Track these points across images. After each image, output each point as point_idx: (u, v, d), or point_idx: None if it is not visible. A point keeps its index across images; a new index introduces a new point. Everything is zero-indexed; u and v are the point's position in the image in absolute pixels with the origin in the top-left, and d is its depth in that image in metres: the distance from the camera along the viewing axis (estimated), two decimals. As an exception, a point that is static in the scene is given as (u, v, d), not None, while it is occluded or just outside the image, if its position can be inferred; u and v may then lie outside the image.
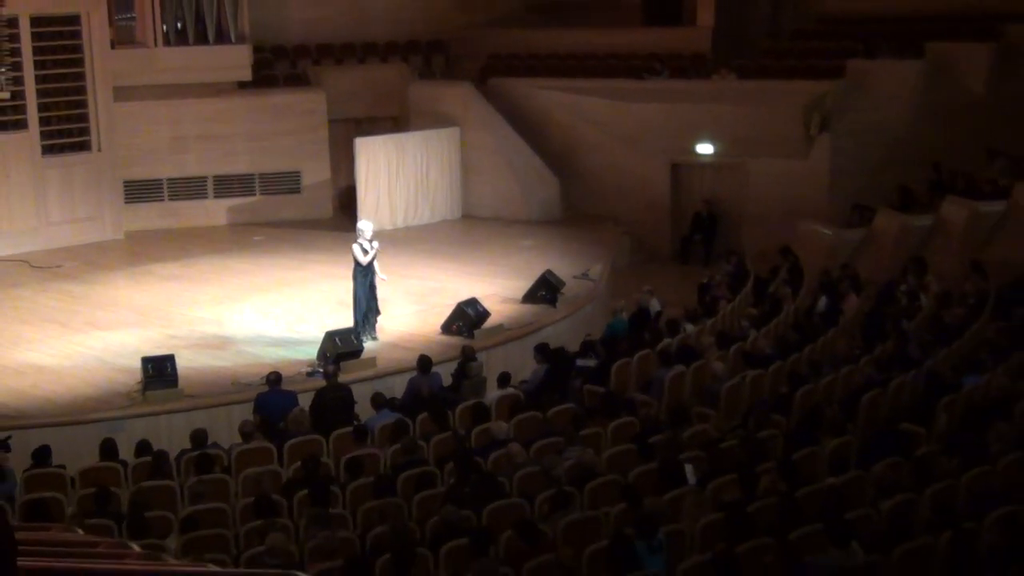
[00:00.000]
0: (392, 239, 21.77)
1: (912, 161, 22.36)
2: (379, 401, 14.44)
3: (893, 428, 12.55)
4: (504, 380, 15.13)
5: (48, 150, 23.81)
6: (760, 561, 9.34)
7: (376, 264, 17.39)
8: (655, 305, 18.34)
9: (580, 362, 15.90)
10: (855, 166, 22.69)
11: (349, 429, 13.50)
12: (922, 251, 19.27)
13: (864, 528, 9.88)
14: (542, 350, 15.91)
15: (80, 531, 9.04)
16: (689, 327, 17.12)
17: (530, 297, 19.32)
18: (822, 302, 17.90)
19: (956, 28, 23.56)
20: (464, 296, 18.34)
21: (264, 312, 19.25)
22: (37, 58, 23.40)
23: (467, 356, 15.84)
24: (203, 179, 25.47)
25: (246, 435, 13.50)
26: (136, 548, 6.63)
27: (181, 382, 15.60)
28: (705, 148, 23.73)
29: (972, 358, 14.56)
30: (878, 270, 19.11)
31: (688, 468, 11.61)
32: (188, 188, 25.42)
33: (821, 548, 9.38)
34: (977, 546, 9.28)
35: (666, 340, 16.31)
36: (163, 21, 24.74)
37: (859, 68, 23.25)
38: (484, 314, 17.89)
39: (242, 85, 25.77)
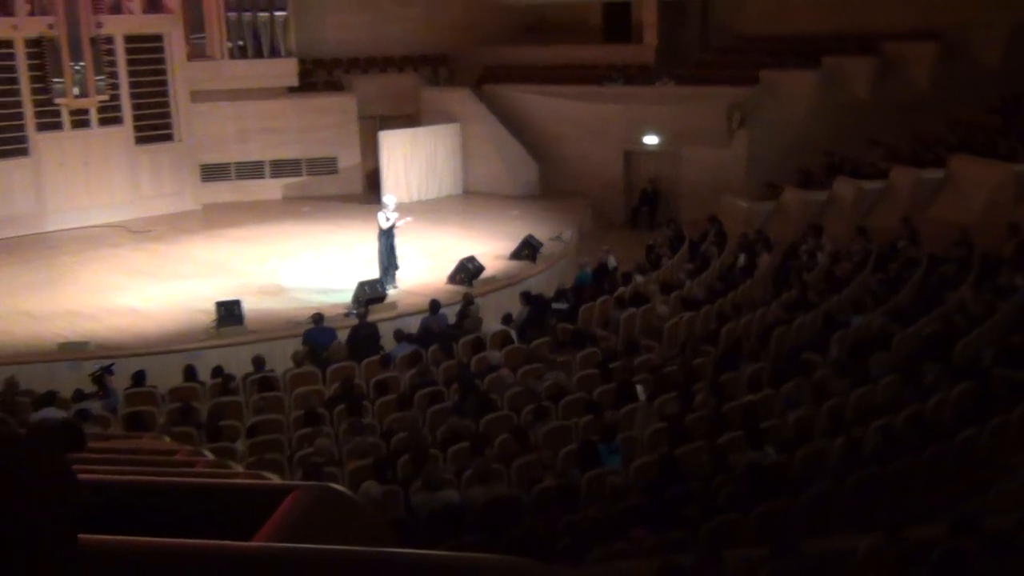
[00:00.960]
0: (408, 210, 21.62)
1: (811, 149, 22.21)
2: (399, 336, 14.41)
3: (797, 356, 12.56)
4: (507, 319, 15.10)
5: (140, 140, 23.87)
6: (695, 460, 9.37)
7: (396, 227, 17.30)
8: (612, 261, 18.26)
9: (555, 305, 15.84)
10: (767, 153, 22.55)
11: (376, 357, 13.52)
12: (819, 219, 19.23)
13: (775, 434, 9.91)
14: (525, 296, 15.90)
15: (167, 438, 8.94)
16: (639, 278, 17.06)
17: (516, 255, 19.27)
18: (741, 259, 17.85)
19: (845, 45, 23.38)
20: (465, 254, 18.29)
21: (310, 266, 19.18)
22: (130, 68, 23.47)
23: (467, 300, 15.79)
24: (262, 163, 25.46)
25: (297, 362, 13.56)
26: (209, 455, 6.45)
27: (246, 321, 15.61)
28: (650, 139, 23.59)
29: (858, 302, 14.52)
30: (785, 234, 19.05)
31: (639, 388, 11.66)
32: (250, 170, 25.39)
33: (742, 450, 9.39)
34: (862, 448, 9.28)
35: (621, 288, 16.30)
36: (228, 40, 24.64)
37: (770, 77, 23.09)
38: (480, 268, 17.83)
39: (291, 90, 25.63)
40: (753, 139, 22.58)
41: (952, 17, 22.51)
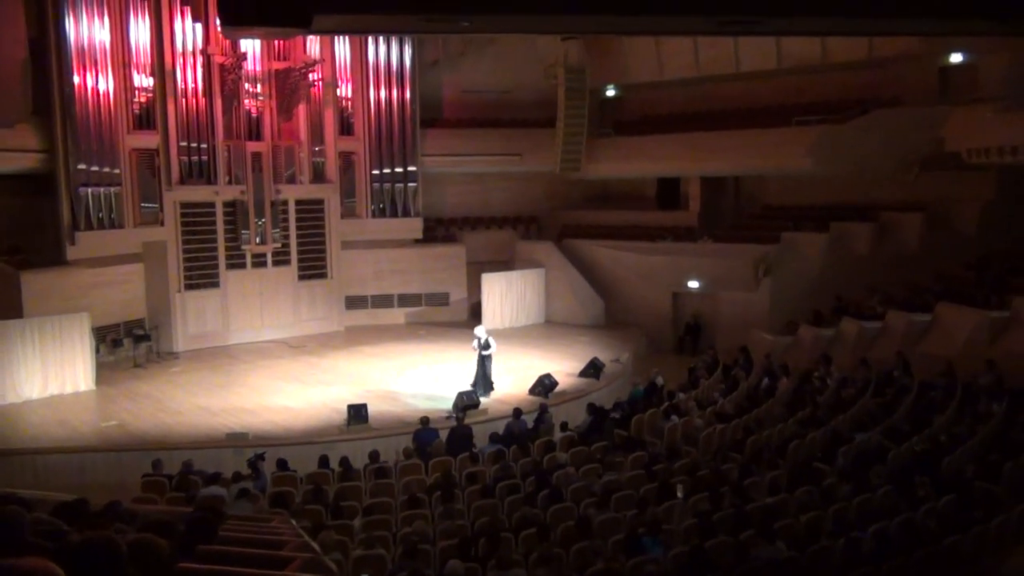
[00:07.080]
0: (503, 334, 21.61)
1: (822, 294, 21.66)
2: (493, 437, 14.09)
3: (808, 466, 11.92)
4: (564, 426, 14.74)
5: (302, 277, 24.24)
6: (721, 552, 8.81)
7: (493, 347, 17.21)
8: (660, 380, 17.76)
9: (612, 415, 15.44)
10: (786, 297, 22.07)
11: (468, 454, 13.21)
12: (828, 351, 18.56)
13: (788, 533, 9.31)
14: (591, 407, 15.51)
15: (295, 523, 8.68)
16: (681, 395, 16.59)
17: (583, 373, 18.94)
18: (764, 382, 17.24)
19: (849, 214, 22.98)
20: (543, 371, 18.05)
21: (423, 377, 19.09)
22: (298, 223, 24.01)
23: (543, 409, 15.47)
24: (391, 295, 25.65)
25: (407, 455, 13.31)
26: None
27: (371, 420, 15.48)
28: (693, 284, 23.26)
29: (860, 422, 13.82)
30: (800, 362, 18.41)
31: (678, 487, 11.14)
32: (382, 301, 25.58)
33: (759, 545, 8.83)
34: (861, 547, 8.66)
35: (666, 403, 15.83)
36: (372, 203, 25.22)
37: (789, 238, 22.73)
38: (555, 383, 17.56)
39: (416, 241, 25.96)
40: (775, 286, 22.15)
41: (935, 194, 22.15)
